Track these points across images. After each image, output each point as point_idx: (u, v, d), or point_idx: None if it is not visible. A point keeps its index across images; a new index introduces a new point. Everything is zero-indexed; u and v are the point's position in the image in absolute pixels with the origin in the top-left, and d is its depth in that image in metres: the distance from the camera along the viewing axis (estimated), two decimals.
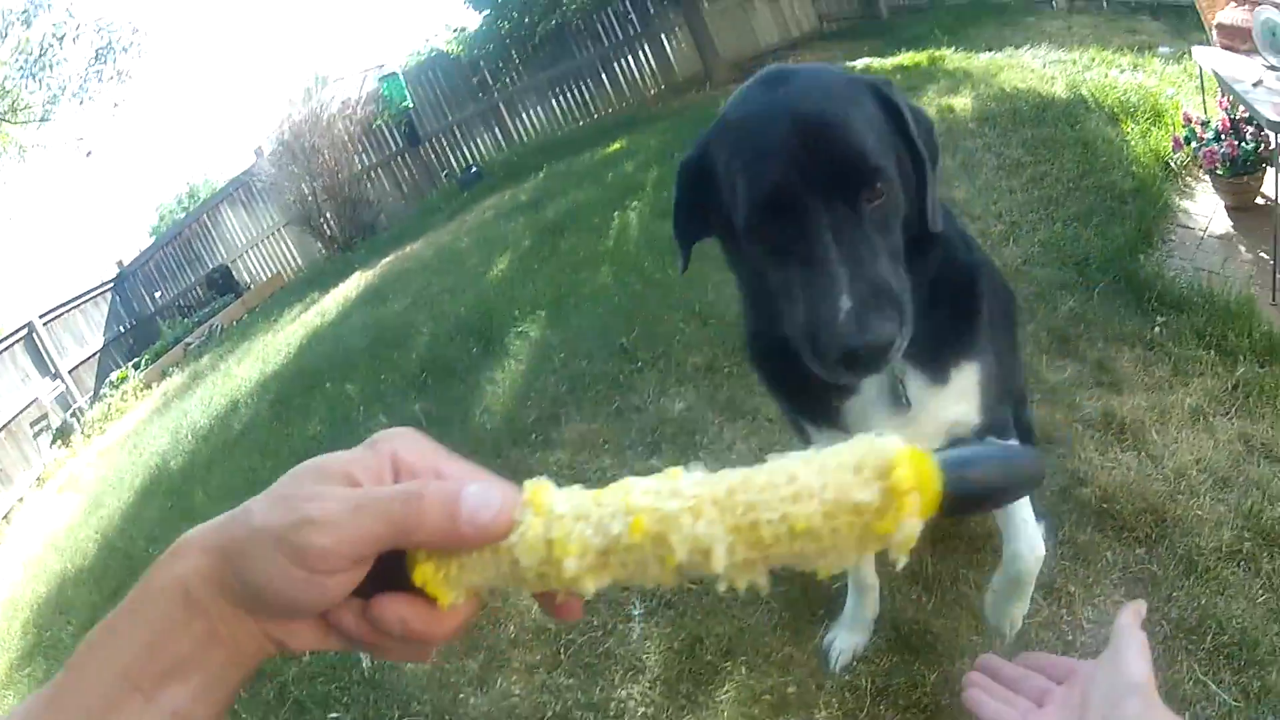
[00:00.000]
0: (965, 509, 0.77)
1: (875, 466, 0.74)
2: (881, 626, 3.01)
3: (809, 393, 2.20)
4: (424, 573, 0.81)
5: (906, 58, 11.03)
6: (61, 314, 16.88)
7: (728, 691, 2.99)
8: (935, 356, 2.13)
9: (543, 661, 3.38)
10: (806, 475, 0.76)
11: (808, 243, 1.67)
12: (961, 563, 3.17)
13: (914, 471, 0.73)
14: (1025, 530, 2.54)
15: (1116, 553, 3.09)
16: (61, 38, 19.49)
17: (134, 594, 0.81)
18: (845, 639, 3.01)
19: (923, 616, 3.01)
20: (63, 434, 14.11)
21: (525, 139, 17.07)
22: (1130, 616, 1.20)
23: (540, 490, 0.82)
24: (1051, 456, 3.50)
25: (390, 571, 0.82)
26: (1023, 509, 2.53)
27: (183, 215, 25.86)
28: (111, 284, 18.73)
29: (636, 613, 3.44)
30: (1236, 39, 5.86)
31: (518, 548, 0.79)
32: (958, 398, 2.22)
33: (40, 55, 19.36)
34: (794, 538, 0.75)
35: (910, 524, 0.73)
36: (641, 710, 3.04)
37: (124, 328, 18.47)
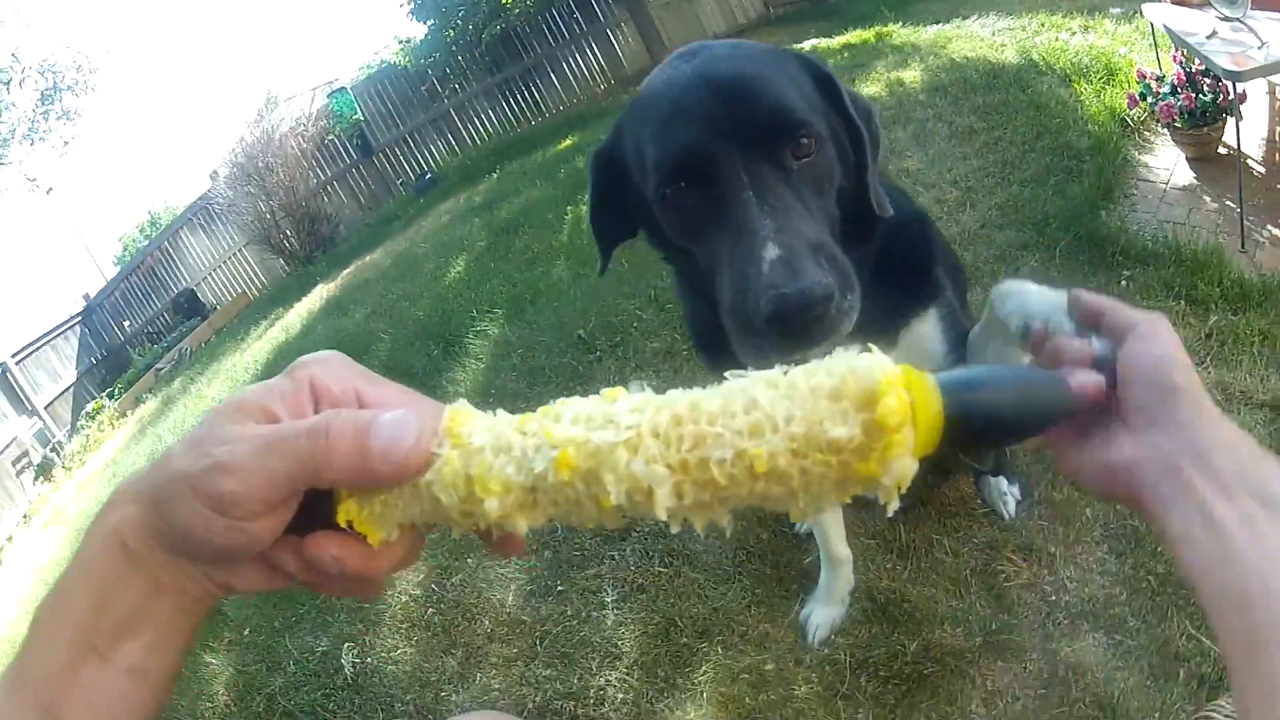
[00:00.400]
0: (972, 440, 0.69)
1: (856, 395, 0.65)
2: (858, 598, 3.00)
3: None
4: (348, 510, 0.78)
5: (854, 36, 11.07)
6: (33, 351, 16.98)
7: (705, 672, 3.00)
8: (892, 318, 2.06)
9: (520, 654, 3.39)
10: (770, 403, 0.67)
11: (727, 205, 1.55)
12: (935, 529, 3.15)
13: (904, 402, 0.65)
14: None
15: (1096, 510, 3.06)
16: (8, 82, 19.49)
17: (79, 551, 0.81)
18: (822, 613, 2.99)
19: (899, 586, 3.00)
20: (44, 469, 14.13)
21: (478, 142, 17.16)
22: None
23: (458, 417, 0.78)
24: None
25: (326, 506, 0.80)
26: None
27: (145, 243, 25.84)
28: (79, 317, 18.81)
29: (609, 599, 3.46)
30: None
31: (435, 485, 0.75)
32: (921, 343, 2.15)
33: None
34: (754, 479, 0.66)
35: (901, 465, 0.65)
36: (621, 696, 3.05)
37: (95, 359, 18.56)
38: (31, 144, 20.42)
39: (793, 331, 1.41)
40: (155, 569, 0.78)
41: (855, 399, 0.65)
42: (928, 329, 2.13)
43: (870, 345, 1.85)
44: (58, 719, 0.77)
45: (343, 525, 0.79)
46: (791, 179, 1.57)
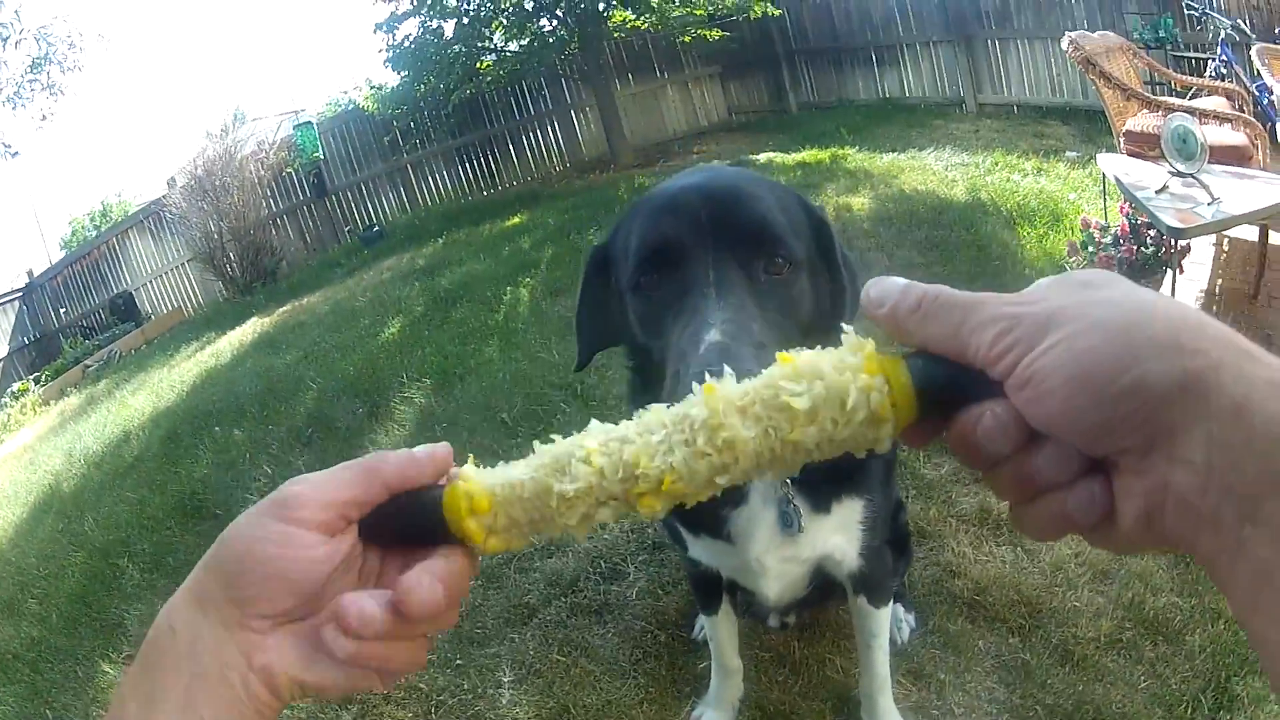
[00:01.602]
0: (938, 404, 0.76)
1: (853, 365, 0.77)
2: (749, 706, 3.09)
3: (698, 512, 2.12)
4: (472, 532, 0.85)
5: (810, 154, 11.31)
6: None
7: None
8: (820, 483, 2.16)
9: (414, 719, 3.49)
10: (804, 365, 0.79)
11: (688, 295, 1.55)
12: (829, 648, 3.26)
13: (887, 399, 0.75)
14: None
15: (988, 642, 3.17)
16: (5, 39, 19.40)
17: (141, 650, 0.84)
18: (711, 716, 3.07)
19: (789, 698, 3.10)
20: None
21: (430, 203, 17.16)
22: None
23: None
24: (923, 550, 3.62)
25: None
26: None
27: (94, 232, 25.57)
28: (20, 293, 18.41)
29: (506, 679, 3.56)
30: (1144, 145, 6.15)
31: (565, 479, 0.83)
32: (837, 529, 2.27)
33: None
34: (794, 424, 0.76)
35: (886, 434, 0.77)
36: None
37: (28, 339, 18.16)
38: (13, 109, 20.26)
39: None
40: (198, 649, 0.81)
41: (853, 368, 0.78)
42: (856, 513, 2.27)
43: (796, 504, 2.15)
44: None
45: (461, 534, 0.86)
46: (758, 290, 1.58)
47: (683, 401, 0.82)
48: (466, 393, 6.19)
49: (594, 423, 0.88)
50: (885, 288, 0.82)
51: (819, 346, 0.82)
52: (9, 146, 21.52)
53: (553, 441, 0.87)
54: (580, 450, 0.83)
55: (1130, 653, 3.02)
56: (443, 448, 0.91)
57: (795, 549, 2.27)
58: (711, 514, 2.22)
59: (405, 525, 0.90)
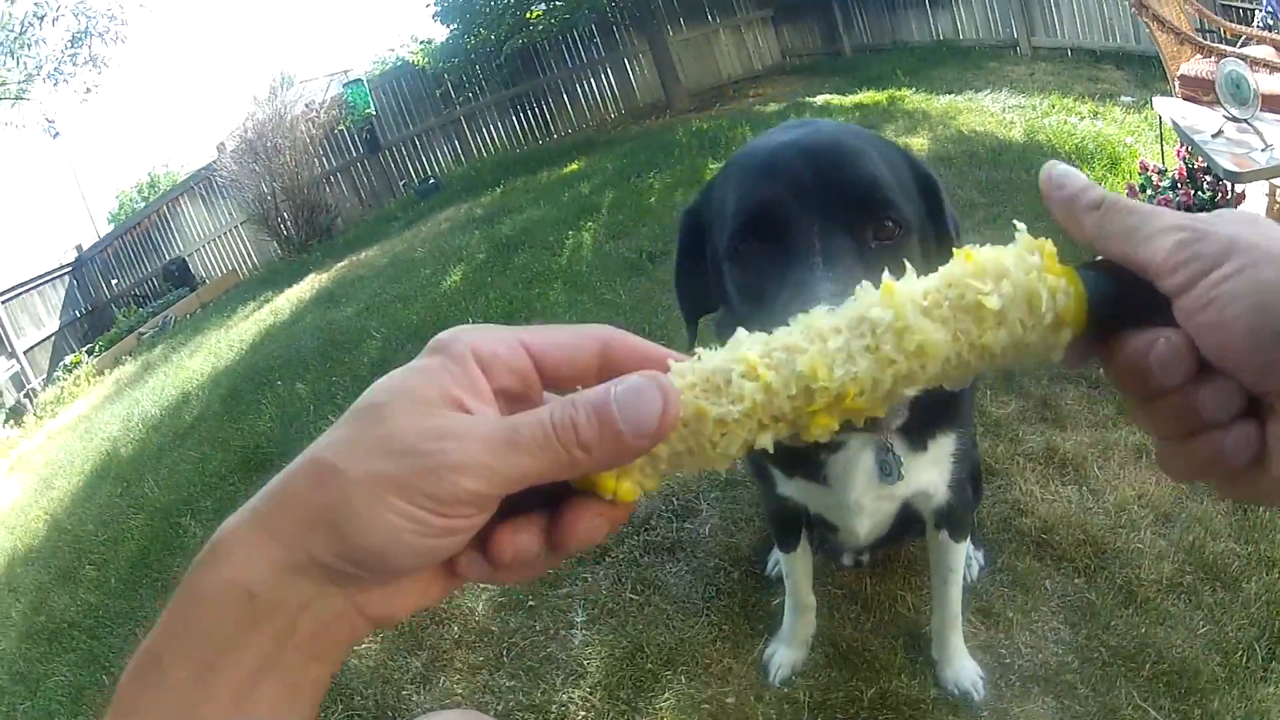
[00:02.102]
0: (1110, 316, 0.71)
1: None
2: (820, 643, 3.04)
3: (796, 455, 2.15)
4: (604, 483, 0.73)
5: (866, 96, 11.14)
6: (19, 294, 16.82)
7: (667, 699, 3.02)
8: (916, 420, 2.09)
9: (485, 663, 3.41)
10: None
11: (793, 267, 1.43)
12: (900, 585, 3.21)
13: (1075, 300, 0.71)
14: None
15: (1055, 581, 3.12)
16: (42, 18, 19.45)
17: (171, 613, 0.69)
18: (784, 653, 3.02)
19: (861, 635, 3.04)
20: (15, 414, 13.95)
21: (484, 154, 17.11)
22: None
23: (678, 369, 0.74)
24: (991, 488, 3.53)
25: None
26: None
27: (142, 204, 25.65)
28: (70, 268, 18.53)
29: (579, 619, 3.48)
30: (1199, 90, 5.99)
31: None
32: (931, 465, 2.24)
33: (20, 33, 19.36)
34: (983, 323, 0.71)
35: (1063, 339, 0.72)
36: (582, 714, 3.07)
37: (80, 313, 18.28)
38: (54, 85, 20.35)
39: None
40: (294, 614, 0.68)
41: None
42: (949, 447, 2.22)
43: (895, 453, 2.06)
44: None
45: (604, 495, 0.74)
46: (867, 257, 1.44)
47: (848, 304, 0.74)
48: None
49: (741, 330, 0.76)
50: (1068, 172, 0.81)
51: None
52: (52, 123, 21.61)
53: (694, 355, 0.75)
54: (739, 364, 0.72)
55: (1190, 597, 2.98)
56: (672, 407, 0.71)
57: (892, 488, 2.22)
58: (807, 456, 2.17)
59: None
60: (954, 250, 0.69)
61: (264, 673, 0.67)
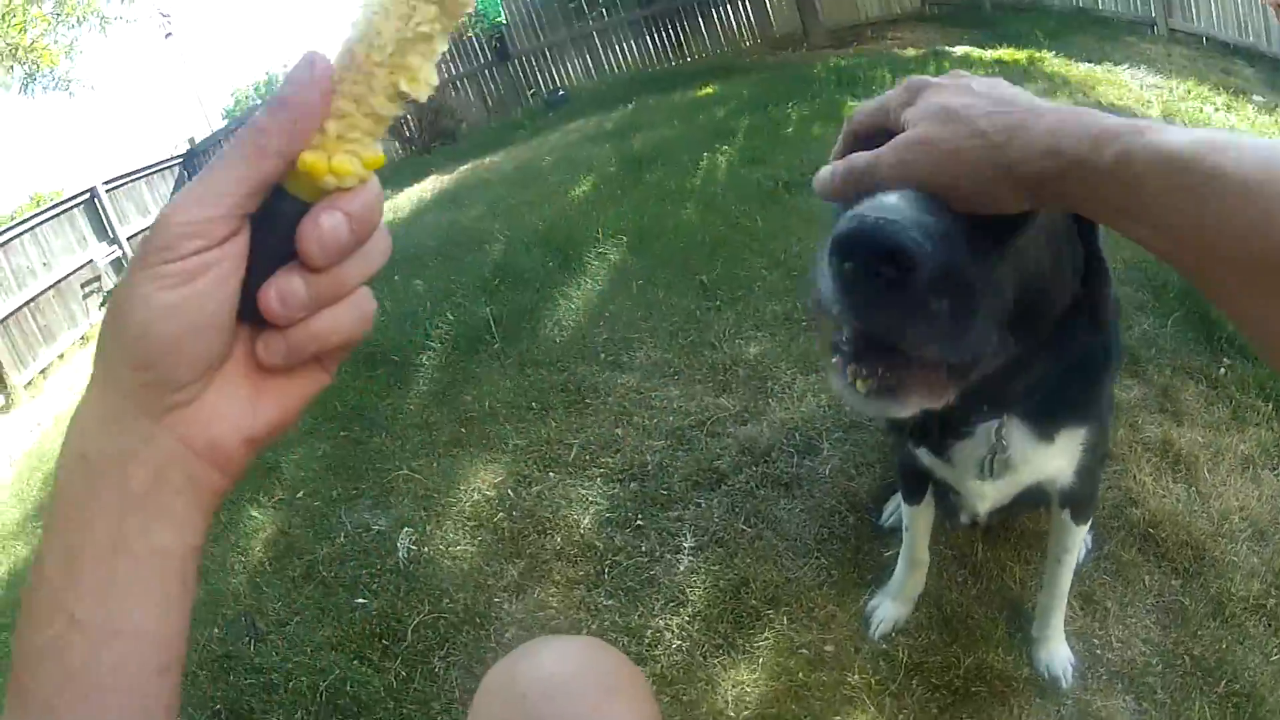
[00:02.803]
0: None
1: None
2: (925, 603, 3.02)
3: (924, 427, 2.12)
4: (312, 165, 0.75)
5: (1006, 53, 11.00)
6: (127, 183, 17.02)
7: (766, 639, 3.00)
8: (1045, 412, 2.04)
9: (584, 578, 3.38)
10: None
11: None
12: (1010, 555, 3.17)
13: None
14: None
15: (1154, 578, 3.08)
16: None
17: (48, 510, 0.76)
18: (889, 608, 3.02)
19: (966, 601, 3.03)
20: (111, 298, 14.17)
21: (616, 70, 17.10)
22: None
23: None
24: (1107, 474, 3.38)
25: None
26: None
27: (258, 101, 25.91)
28: (181, 159, 18.78)
29: (686, 544, 3.44)
30: None
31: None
32: (1058, 454, 2.18)
33: None
34: None
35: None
36: (677, 643, 3.04)
37: None
38: None
39: (854, 267, 1.04)
40: (124, 466, 0.73)
41: None
42: (1078, 438, 2.17)
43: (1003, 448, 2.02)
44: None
45: (315, 182, 0.76)
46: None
47: None
48: (664, 251, 5.94)
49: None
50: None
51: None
52: (166, 18, 21.84)
53: None
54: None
55: (1271, 621, 2.92)
56: (320, 59, 0.76)
57: (1015, 475, 2.19)
58: (936, 436, 2.16)
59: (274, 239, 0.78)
60: None
61: (117, 553, 0.72)
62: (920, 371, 1.14)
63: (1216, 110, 8.14)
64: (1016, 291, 1.25)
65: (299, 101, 0.73)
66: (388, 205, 10.75)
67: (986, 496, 2.34)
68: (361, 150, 0.77)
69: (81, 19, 18.75)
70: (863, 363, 1.13)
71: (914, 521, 2.85)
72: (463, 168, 12.02)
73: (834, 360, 1.18)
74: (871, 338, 1.11)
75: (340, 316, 0.80)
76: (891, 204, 1.03)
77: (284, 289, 0.75)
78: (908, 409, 1.17)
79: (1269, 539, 3.19)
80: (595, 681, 1.29)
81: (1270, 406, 3.77)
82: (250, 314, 0.77)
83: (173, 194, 17.91)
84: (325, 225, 0.75)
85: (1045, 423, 2.06)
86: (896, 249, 0.98)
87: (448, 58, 16.11)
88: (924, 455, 2.35)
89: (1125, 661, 2.81)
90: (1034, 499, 2.53)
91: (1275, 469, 3.50)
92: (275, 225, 0.77)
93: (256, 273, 0.76)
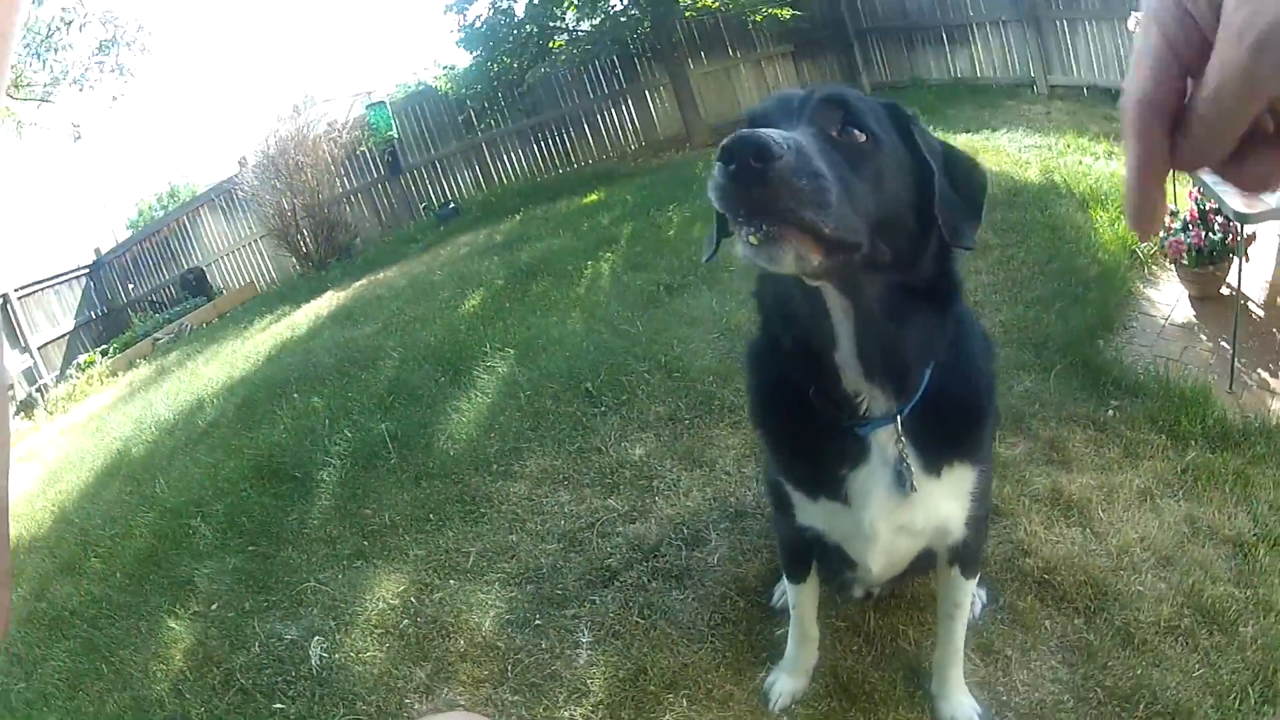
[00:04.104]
0: None
1: None
2: (821, 674, 3.10)
3: (812, 456, 2.23)
4: None
5: None
6: (37, 291, 16.86)
7: None
8: (937, 446, 2.17)
9: (489, 677, 3.48)
10: None
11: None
12: (902, 620, 3.28)
13: None
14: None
15: (1055, 621, 3.19)
16: (69, 23, 19.70)
17: None
18: (785, 682, 3.10)
19: (862, 667, 3.11)
20: (26, 407, 13.92)
21: (504, 181, 17.17)
22: None
23: None
24: (996, 528, 3.59)
25: None
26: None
27: (161, 213, 25.79)
28: (87, 270, 18.51)
29: (584, 639, 3.57)
30: None
31: None
32: (950, 497, 2.29)
33: (47, 36, 19.61)
34: None
35: None
36: None
37: (95, 314, 18.26)
38: (80, 90, 20.53)
39: (731, 170, 1.41)
40: None
41: None
42: (968, 482, 2.29)
43: (909, 464, 2.14)
44: None
45: None
46: (834, 144, 1.63)
47: None
48: (550, 362, 6.09)
49: None
50: None
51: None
52: (77, 127, 21.79)
53: None
54: None
55: (1187, 640, 3.04)
56: None
57: (910, 515, 2.25)
58: (831, 474, 2.21)
59: None
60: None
61: None
62: (795, 230, 1.47)
63: (1097, 159, 8.40)
64: (872, 201, 1.63)
65: None
66: (286, 323, 10.91)
67: (881, 543, 2.34)
68: None
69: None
70: (751, 224, 1.46)
71: (801, 598, 2.95)
72: (358, 283, 12.11)
73: (739, 232, 1.50)
74: (755, 210, 1.44)
75: None
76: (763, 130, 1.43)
77: None
78: (787, 257, 1.49)
79: (1175, 564, 3.36)
80: None
81: (1163, 438, 4.00)
82: None
83: (79, 306, 17.87)
84: None
85: (933, 452, 2.18)
86: (761, 145, 1.38)
87: (341, 172, 16.31)
88: (820, 514, 2.41)
89: (1034, 704, 2.91)
90: (925, 563, 2.66)
91: (1175, 495, 3.70)
92: None
93: None
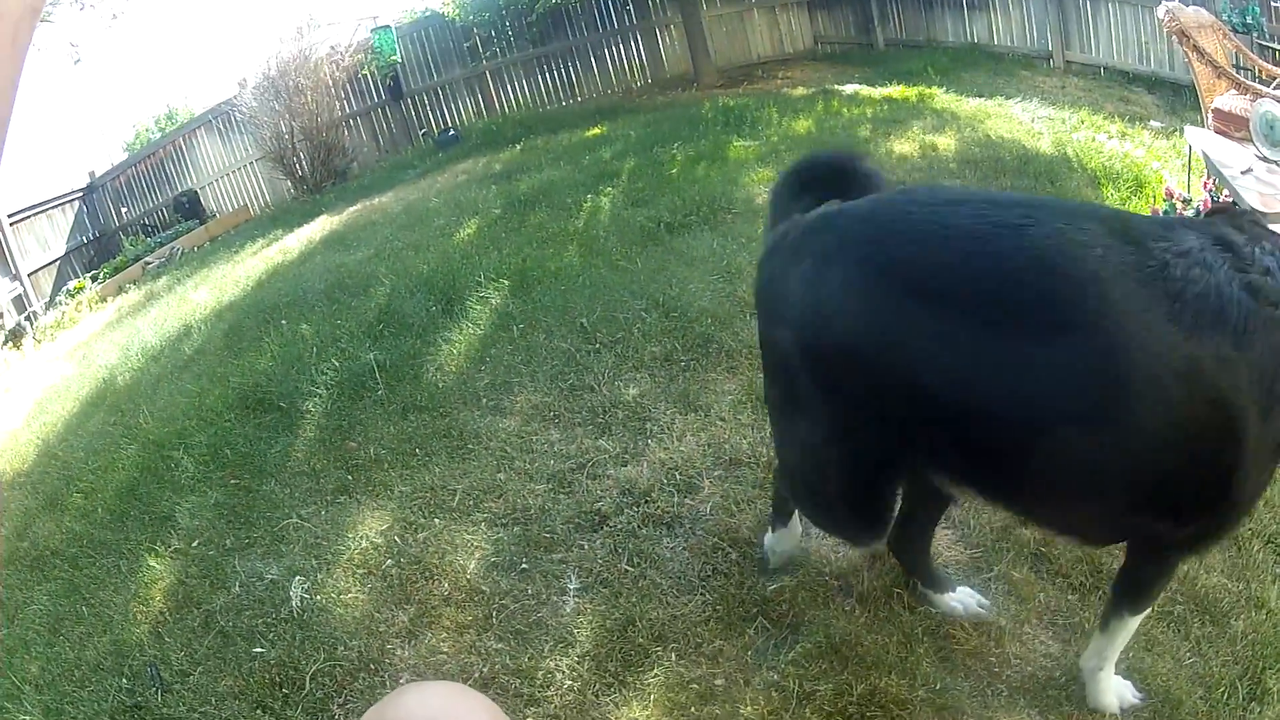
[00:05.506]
0: None
1: None
2: (812, 632, 3.05)
3: None
4: None
5: (896, 90, 11.15)
6: (28, 216, 16.65)
7: (655, 675, 3.04)
8: None
9: (473, 623, 3.41)
10: None
11: None
12: (897, 582, 3.22)
13: None
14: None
15: (1049, 595, 3.14)
16: None
17: None
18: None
19: (854, 629, 3.05)
20: (15, 336, 13.75)
21: (507, 110, 17.01)
22: None
23: None
24: None
25: None
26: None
27: (158, 135, 25.54)
28: (81, 193, 18.33)
29: (572, 586, 3.50)
30: (1232, 125, 5.97)
31: None
32: None
33: None
34: None
35: None
36: (568, 683, 3.08)
37: (87, 238, 18.06)
38: (80, 9, 20.26)
39: None
40: None
41: None
42: None
43: None
44: None
45: None
46: None
47: None
48: (545, 296, 5.99)
49: None
50: None
51: None
52: (76, 48, 21.52)
53: None
54: None
55: (1179, 628, 3.04)
56: None
57: None
58: None
59: None
60: None
61: None
62: None
63: (1110, 138, 8.30)
64: None
65: None
66: (277, 247, 10.79)
67: None
68: None
69: None
70: None
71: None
72: (352, 209, 11.97)
73: None
74: None
75: None
76: None
77: None
78: None
79: None
80: None
81: None
82: None
83: (71, 230, 17.72)
84: None
85: None
86: None
87: (342, 96, 16.17)
88: None
89: (1025, 677, 2.88)
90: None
91: None
92: None
93: None
